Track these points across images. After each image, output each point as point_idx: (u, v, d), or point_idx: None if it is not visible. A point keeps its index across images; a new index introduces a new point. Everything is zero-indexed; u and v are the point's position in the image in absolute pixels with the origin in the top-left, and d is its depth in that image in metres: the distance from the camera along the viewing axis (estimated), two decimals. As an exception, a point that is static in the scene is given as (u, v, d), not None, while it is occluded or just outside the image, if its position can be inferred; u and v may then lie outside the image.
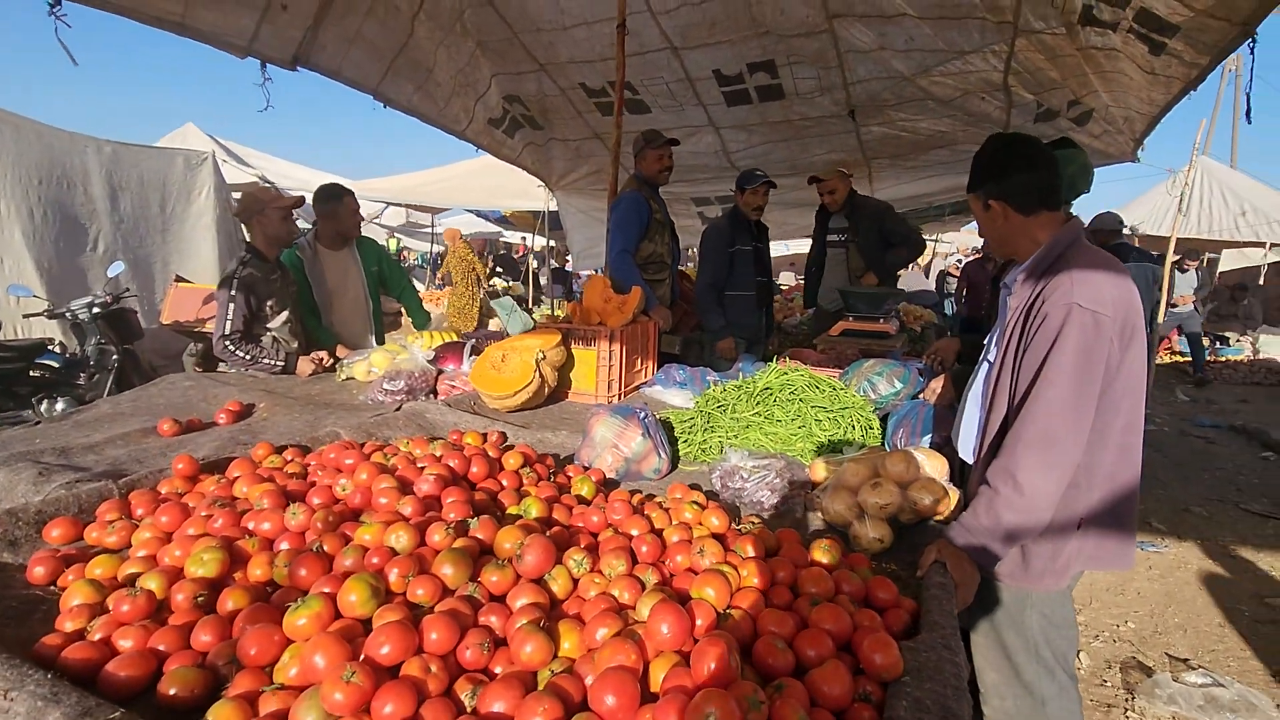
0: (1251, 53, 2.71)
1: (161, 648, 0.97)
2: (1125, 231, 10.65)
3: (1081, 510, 1.51)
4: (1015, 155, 1.58)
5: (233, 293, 2.82)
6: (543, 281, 13.50)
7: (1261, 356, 10.36)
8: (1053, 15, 3.26)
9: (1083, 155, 2.26)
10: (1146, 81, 3.41)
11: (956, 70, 3.96)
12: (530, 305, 11.77)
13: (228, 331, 2.81)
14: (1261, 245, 10.83)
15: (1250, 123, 2.92)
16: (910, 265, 13.40)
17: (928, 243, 17.62)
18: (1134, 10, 2.85)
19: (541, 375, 2.42)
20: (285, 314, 3.02)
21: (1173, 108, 3.63)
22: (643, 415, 1.89)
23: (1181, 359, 10.48)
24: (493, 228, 16.30)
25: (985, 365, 1.68)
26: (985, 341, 1.76)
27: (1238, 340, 10.89)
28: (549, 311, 10.55)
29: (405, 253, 19.23)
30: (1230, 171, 11.96)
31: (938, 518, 1.54)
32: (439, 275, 11.31)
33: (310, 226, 3.47)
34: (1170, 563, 3.84)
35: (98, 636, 1.00)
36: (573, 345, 2.65)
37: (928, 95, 4.29)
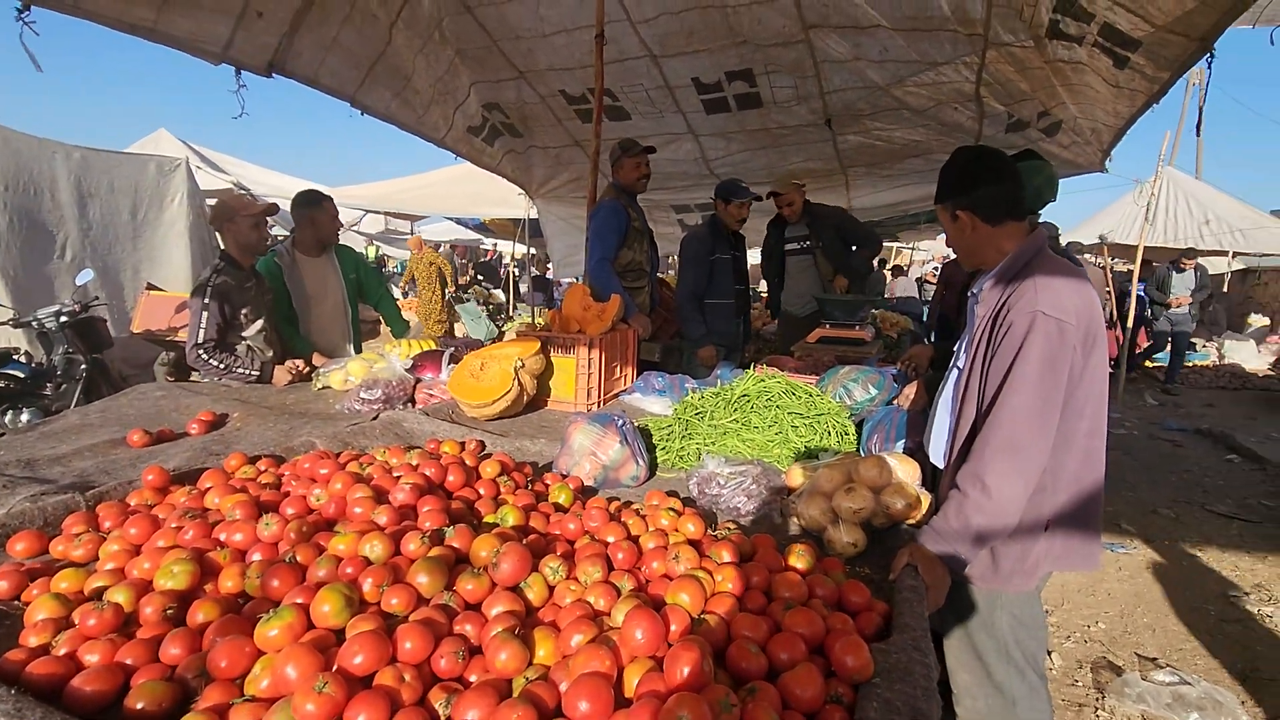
0: (1209, 68, 2.81)
1: (129, 661, 0.96)
2: (1095, 240, 10.91)
3: (1048, 512, 1.55)
4: (983, 168, 1.63)
5: (206, 301, 2.79)
6: (523, 289, 13.47)
7: (1226, 361, 10.65)
8: (1021, 29, 3.35)
9: (1048, 167, 2.32)
10: (1112, 94, 3.50)
11: (929, 81, 4.04)
12: (510, 313, 11.74)
13: (201, 340, 2.77)
14: (1225, 253, 11.15)
15: (1199, 135, 3.02)
16: (897, 274, 13.66)
17: (905, 251, 17.91)
18: (1098, 25, 2.94)
19: (520, 383, 2.42)
20: (260, 322, 2.99)
21: (1137, 119, 3.73)
22: (620, 423, 1.90)
23: (1151, 364, 10.67)
24: (472, 235, 16.25)
25: (955, 372, 1.71)
26: (955, 348, 1.80)
27: (1204, 346, 11.18)
28: (529, 319, 10.53)
29: (385, 260, 19.12)
30: (1195, 182, 12.30)
31: (910, 522, 1.57)
32: (402, 284, 11.28)
33: (288, 234, 3.44)
34: (1139, 564, 3.92)
35: (63, 651, 0.98)
36: (552, 353, 2.65)
37: (902, 105, 4.37)
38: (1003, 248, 1.63)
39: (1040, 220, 2.68)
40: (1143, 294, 9.58)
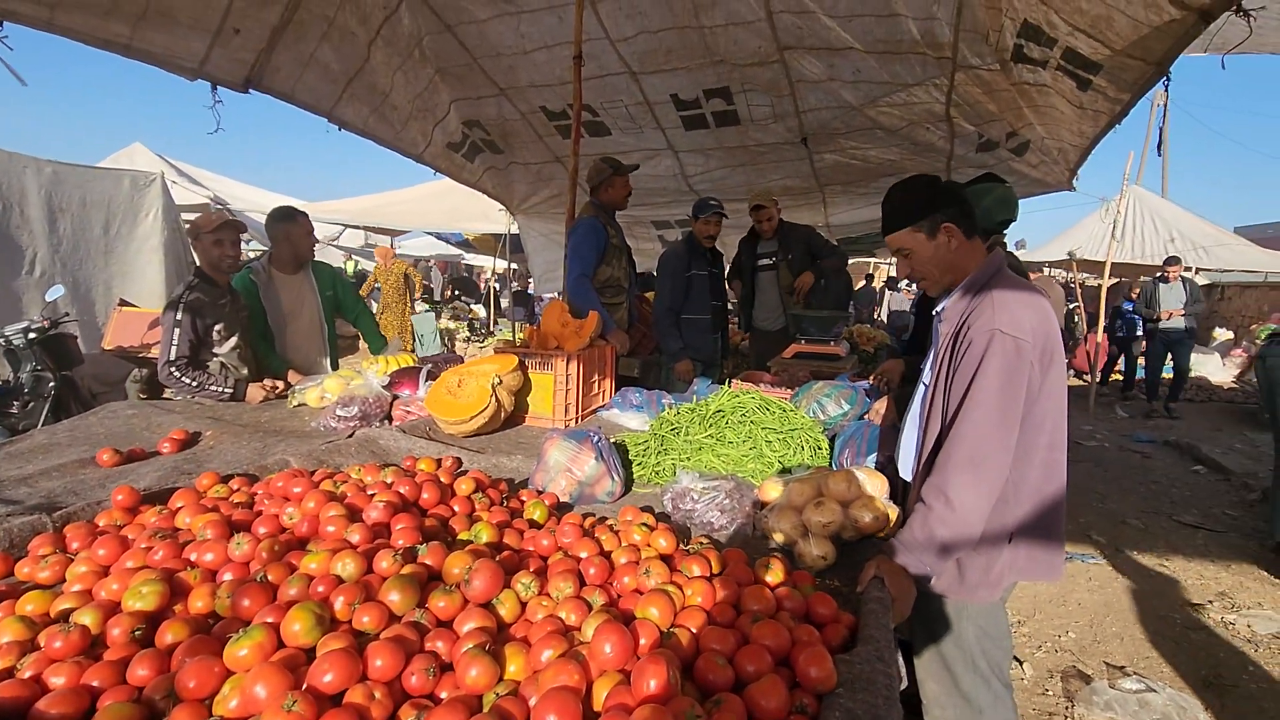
0: (1166, 90, 2.93)
1: (96, 683, 0.95)
2: (1064, 256, 11.12)
3: (1011, 524, 1.59)
4: (944, 189, 1.69)
5: (178, 316, 2.77)
6: (504, 304, 13.44)
7: (1192, 375, 10.88)
8: (987, 53, 3.46)
9: (999, 188, 2.39)
10: (1076, 115, 3.62)
11: (901, 101, 4.14)
12: (491, 328, 11.72)
13: (173, 357, 2.75)
14: (1189, 269, 11.44)
15: (1160, 155, 3.15)
16: (891, 286, 13.86)
17: (882, 267, 18.22)
18: (1061, 49, 3.05)
19: (498, 400, 2.43)
20: (234, 339, 2.97)
21: (1102, 139, 3.86)
22: (596, 439, 1.92)
23: (1120, 376, 10.76)
24: (454, 250, 16.23)
25: (922, 388, 1.76)
26: (921, 366, 1.85)
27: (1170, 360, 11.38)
28: (508, 335, 10.53)
29: (366, 274, 19.02)
30: (1160, 200, 12.66)
31: (879, 535, 1.60)
32: (362, 291, 11.23)
33: (266, 250, 3.44)
34: (1109, 574, 4.00)
35: (28, 674, 0.97)
36: (530, 369, 2.67)
37: (876, 125, 4.47)
38: (969, 265, 1.67)
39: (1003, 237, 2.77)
40: (1132, 313, 9.60)
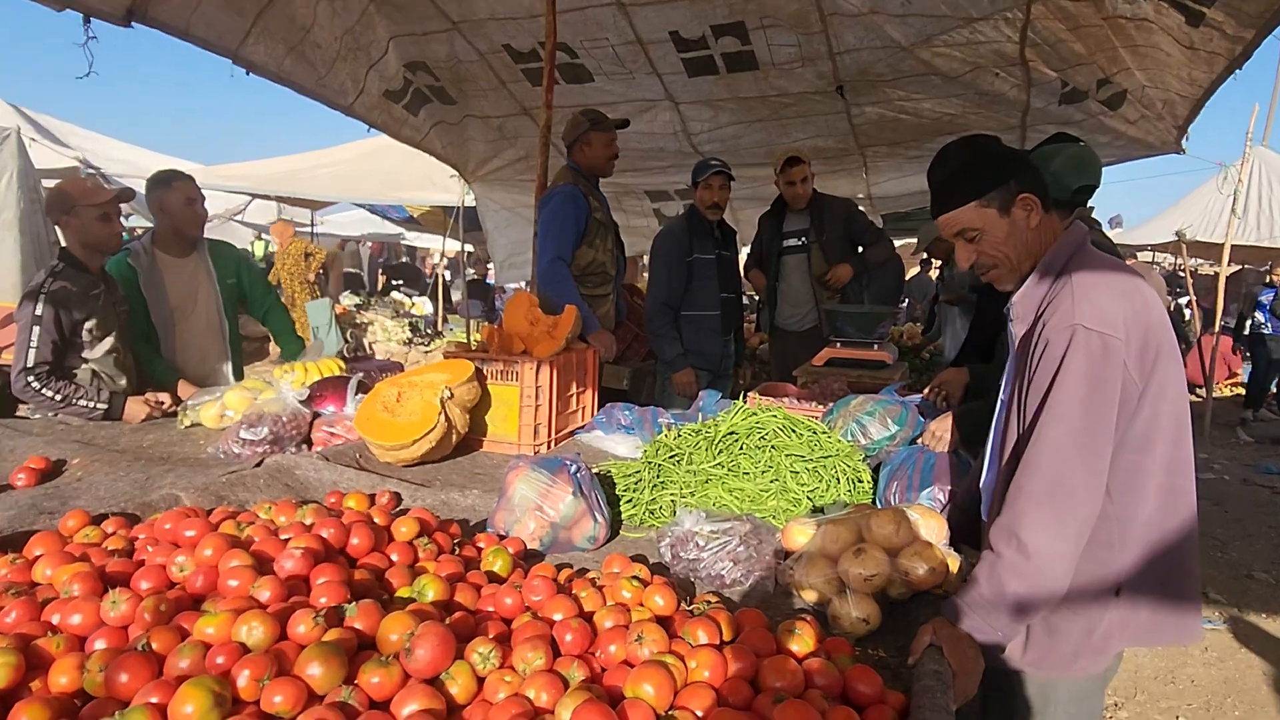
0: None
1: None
2: (1171, 237, 11.16)
3: (1117, 572, 1.59)
4: (1009, 149, 1.71)
5: (38, 312, 2.77)
6: (455, 297, 13.45)
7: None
8: (1073, -23, 3.51)
9: (1071, 147, 2.41)
10: (1186, 58, 3.67)
11: (964, 40, 4.18)
12: (439, 327, 11.72)
13: (32, 364, 2.75)
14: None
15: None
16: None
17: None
18: (1166, -28, 3.10)
19: (448, 419, 2.44)
20: (110, 340, 2.97)
21: (1218, 89, 3.90)
22: (574, 469, 1.93)
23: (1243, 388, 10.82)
24: (393, 229, 16.23)
25: (1000, 405, 1.76)
26: (999, 377, 1.85)
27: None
28: (462, 336, 10.53)
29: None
30: (1294, 165, 12.76)
31: (937, 591, 1.61)
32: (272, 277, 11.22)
33: (148, 228, 3.44)
34: (1230, 643, 4.03)
35: None
36: (489, 380, 2.68)
37: (931, 70, 4.51)
38: (1045, 245, 1.68)
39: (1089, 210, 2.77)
40: (1268, 310, 9.54)
